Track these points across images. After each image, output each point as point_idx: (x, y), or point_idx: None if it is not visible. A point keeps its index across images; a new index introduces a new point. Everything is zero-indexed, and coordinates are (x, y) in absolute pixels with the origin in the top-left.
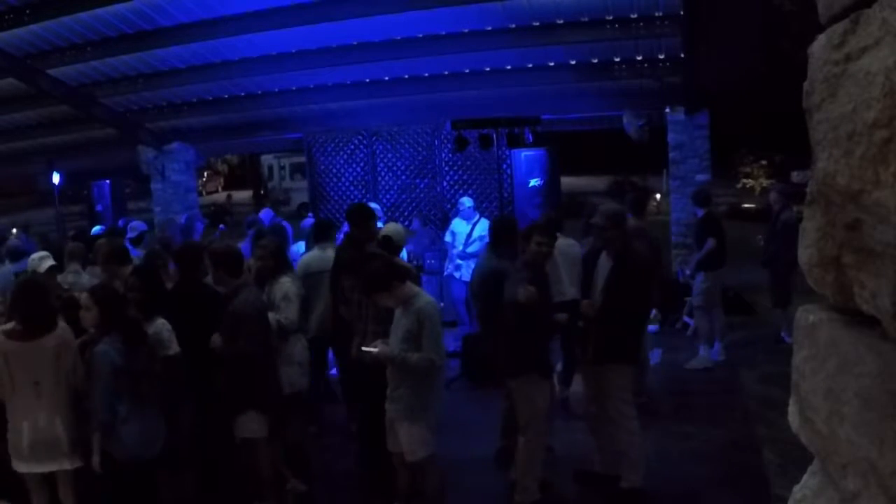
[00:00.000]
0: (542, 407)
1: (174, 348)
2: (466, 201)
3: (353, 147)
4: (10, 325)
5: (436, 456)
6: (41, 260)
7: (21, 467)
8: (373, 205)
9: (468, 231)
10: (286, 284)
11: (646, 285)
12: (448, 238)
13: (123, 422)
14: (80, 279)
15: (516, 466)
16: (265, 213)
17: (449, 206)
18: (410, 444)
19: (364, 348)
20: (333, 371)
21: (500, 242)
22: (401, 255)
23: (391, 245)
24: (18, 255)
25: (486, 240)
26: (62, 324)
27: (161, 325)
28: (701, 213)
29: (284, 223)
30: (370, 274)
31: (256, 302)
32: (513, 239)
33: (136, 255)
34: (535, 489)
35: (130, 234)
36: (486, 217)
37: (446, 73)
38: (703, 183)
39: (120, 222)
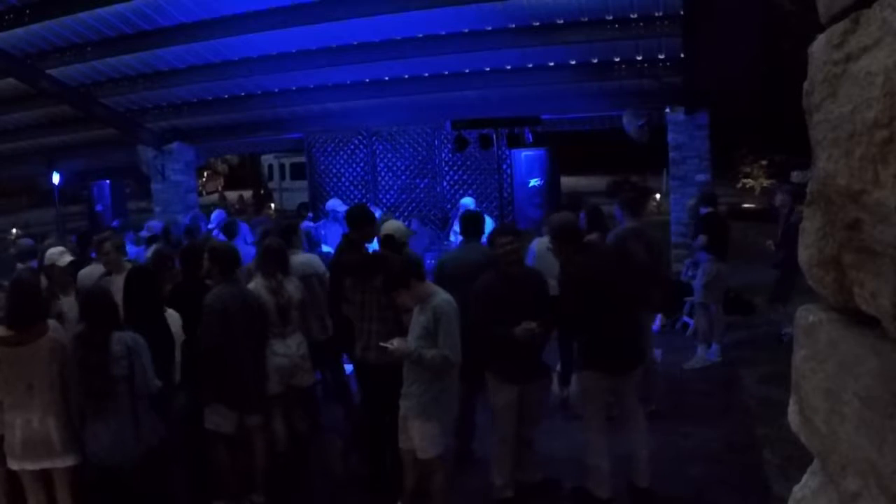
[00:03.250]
0: (500, 408)
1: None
2: (468, 201)
3: (353, 147)
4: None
5: (447, 455)
6: (61, 255)
7: (14, 465)
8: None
9: None
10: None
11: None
12: (452, 238)
13: (91, 423)
14: None
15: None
16: (218, 215)
17: (449, 205)
18: (422, 442)
19: (381, 344)
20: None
21: (470, 235)
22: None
23: (394, 243)
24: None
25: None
26: (54, 323)
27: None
28: (704, 211)
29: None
30: (390, 272)
31: (226, 296)
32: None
33: (137, 253)
34: (504, 486)
35: (144, 233)
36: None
37: (446, 73)
38: (703, 183)
39: (114, 223)
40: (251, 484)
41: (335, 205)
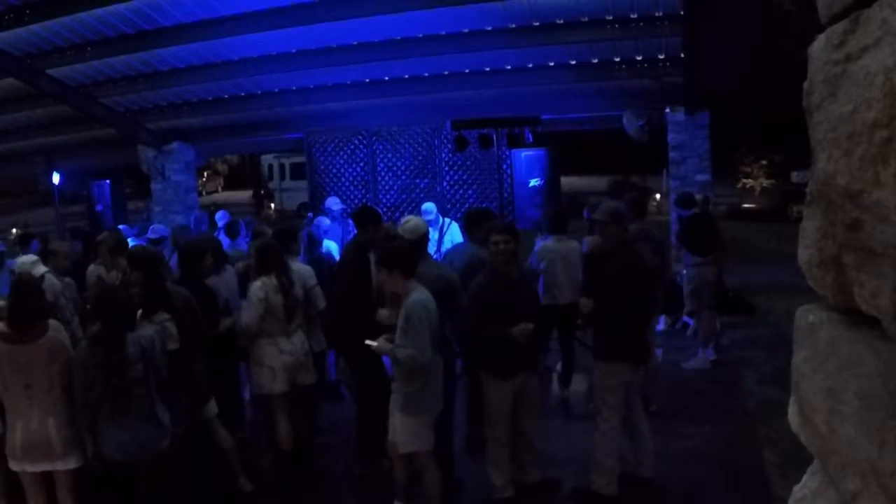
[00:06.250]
0: (495, 406)
1: (175, 344)
2: (429, 207)
3: (353, 147)
4: (1, 325)
5: (432, 453)
6: (33, 265)
7: (15, 466)
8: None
9: (437, 237)
10: (252, 287)
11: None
12: None
13: (106, 423)
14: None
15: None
16: (222, 215)
17: (449, 205)
18: (402, 436)
19: (367, 342)
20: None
21: (473, 231)
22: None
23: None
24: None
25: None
26: (55, 323)
27: (167, 320)
28: (685, 214)
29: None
30: (388, 248)
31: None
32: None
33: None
34: (504, 486)
35: (151, 236)
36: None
37: (446, 73)
38: (703, 183)
39: (122, 228)
40: (231, 472)
41: (331, 203)
